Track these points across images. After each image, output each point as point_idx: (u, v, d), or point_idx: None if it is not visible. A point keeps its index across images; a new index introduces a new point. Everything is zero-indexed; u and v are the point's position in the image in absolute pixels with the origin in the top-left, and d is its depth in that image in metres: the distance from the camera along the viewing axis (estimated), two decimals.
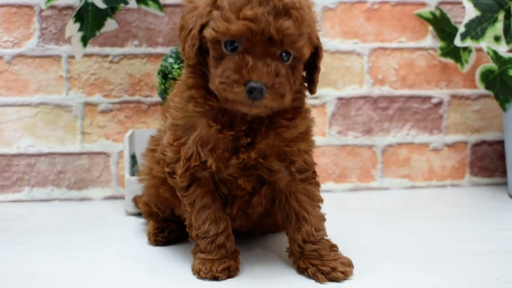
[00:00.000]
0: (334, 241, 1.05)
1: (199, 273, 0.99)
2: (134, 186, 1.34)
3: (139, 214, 1.37)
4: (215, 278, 0.98)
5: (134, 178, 1.35)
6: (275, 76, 0.90)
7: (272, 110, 0.94)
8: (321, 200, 1.06)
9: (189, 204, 1.03)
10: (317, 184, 1.06)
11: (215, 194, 1.03)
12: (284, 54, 0.91)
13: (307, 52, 0.93)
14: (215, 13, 0.91)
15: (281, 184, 1.03)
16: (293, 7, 0.89)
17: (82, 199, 1.53)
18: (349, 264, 1.01)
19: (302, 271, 1.02)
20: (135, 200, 1.34)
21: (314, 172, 1.06)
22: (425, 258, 1.09)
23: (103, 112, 1.52)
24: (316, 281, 0.98)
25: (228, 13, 0.89)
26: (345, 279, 0.99)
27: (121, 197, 1.51)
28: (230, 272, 1.00)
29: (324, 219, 1.05)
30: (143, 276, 1.01)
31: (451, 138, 1.64)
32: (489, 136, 1.66)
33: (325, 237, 1.04)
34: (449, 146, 1.65)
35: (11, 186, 1.52)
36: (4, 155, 1.51)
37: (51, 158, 1.52)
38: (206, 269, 0.99)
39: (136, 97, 1.53)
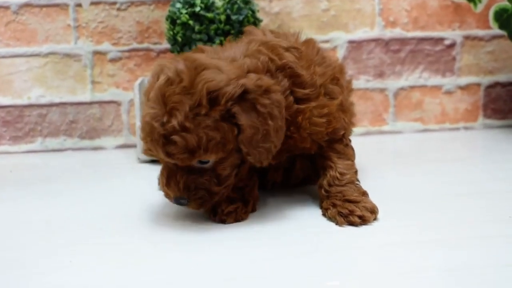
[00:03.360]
0: None
1: (210, 214, 1.00)
2: None
3: (151, 162, 1.37)
4: (222, 221, 0.99)
5: None
6: (187, 191, 0.94)
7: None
8: (350, 155, 1.07)
9: None
10: (347, 145, 1.07)
11: None
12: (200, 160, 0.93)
13: (216, 157, 0.92)
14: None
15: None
16: (175, 132, 0.88)
17: (95, 148, 1.54)
18: (372, 210, 0.98)
19: (324, 212, 1.01)
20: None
21: (344, 136, 1.07)
22: (438, 199, 1.09)
23: (112, 60, 1.52)
24: (336, 224, 0.98)
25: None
26: (362, 225, 0.97)
27: (133, 146, 1.52)
28: (238, 215, 0.99)
29: (354, 169, 1.06)
30: (156, 220, 1.02)
31: (464, 80, 1.63)
32: (502, 77, 1.64)
33: (355, 183, 1.04)
34: (462, 88, 1.63)
35: (24, 137, 1.52)
36: (16, 106, 1.51)
37: (62, 108, 1.52)
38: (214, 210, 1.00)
39: (145, 45, 1.52)
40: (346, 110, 1.07)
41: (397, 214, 1.01)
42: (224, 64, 0.93)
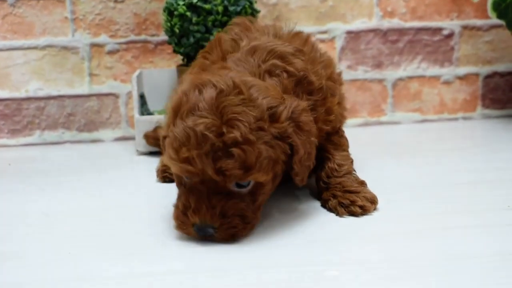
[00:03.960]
0: None
1: None
2: (144, 126, 1.34)
3: (150, 154, 1.37)
4: None
5: (144, 117, 1.35)
6: (221, 217, 0.84)
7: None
8: (346, 145, 1.07)
9: None
10: (342, 136, 1.08)
11: None
12: (239, 183, 0.86)
13: (265, 178, 0.86)
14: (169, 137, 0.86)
15: None
16: (235, 144, 0.81)
17: (93, 141, 1.54)
18: (372, 200, 0.98)
19: (324, 203, 1.01)
20: (146, 136, 1.34)
21: (340, 129, 1.08)
22: (437, 188, 1.09)
23: (110, 53, 1.51)
24: (336, 215, 0.97)
25: (170, 150, 0.84)
26: (363, 214, 0.96)
27: (132, 138, 1.52)
28: None
29: (350, 159, 1.06)
30: (154, 211, 1.02)
31: (463, 70, 1.62)
32: (501, 67, 1.63)
33: (352, 173, 1.04)
34: (460, 78, 1.63)
35: (22, 130, 1.52)
36: (14, 99, 1.51)
37: (60, 101, 1.52)
38: None
39: (143, 37, 1.51)
40: (340, 102, 1.08)
41: (396, 204, 1.01)
42: (261, 82, 0.91)
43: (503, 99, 1.65)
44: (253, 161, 0.82)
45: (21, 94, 1.51)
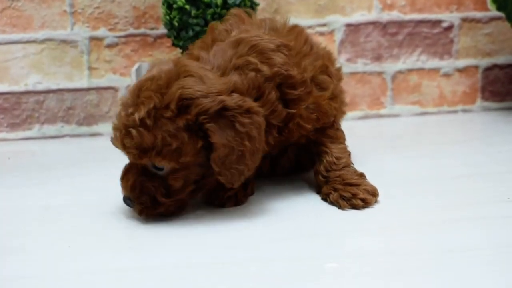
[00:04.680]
0: None
1: (208, 198, 1.00)
2: None
3: None
4: (222, 205, 0.99)
5: None
6: (133, 191, 0.92)
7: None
8: (342, 138, 1.07)
9: None
10: (338, 129, 1.07)
11: None
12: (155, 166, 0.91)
13: (167, 165, 0.89)
14: None
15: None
16: (134, 126, 0.87)
17: (92, 135, 1.54)
18: (373, 192, 0.98)
19: (324, 197, 1.01)
20: None
21: (335, 122, 1.07)
22: (437, 181, 1.09)
23: (109, 46, 1.51)
24: (339, 208, 0.97)
25: None
26: (365, 207, 0.97)
27: None
28: (237, 200, 1.00)
29: (347, 152, 1.06)
30: None
31: (462, 62, 1.62)
32: (500, 59, 1.63)
33: (351, 166, 1.04)
34: (460, 70, 1.62)
35: (21, 124, 1.52)
36: (13, 93, 1.51)
37: (60, 95, 1.52)
38: (214, 194, 0.99)
39: (142, 30, 1.51)
40: (336, 97, 1.06)
41: (396, 197, 1.01)
42: (210, 76, 0.91)
43: (502, 91, 1.65)
44: (148, 144, 0.87)
45: (20, 87, 1.51)
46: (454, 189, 1.04)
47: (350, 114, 1.58)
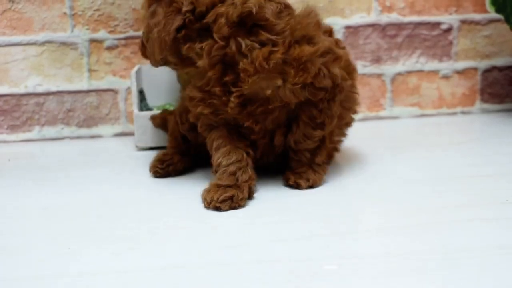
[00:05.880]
0: (344, 169, 1.06)
1: (204, 202, 1.01)
2: (143, 121, 1.35)
3: (149, 149, 1.37)
4: (217, 209, 0.99)
5: (143, 113, 1.35)
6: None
7: None
8: (318, 123, 1.06)
9: (209, 146, 1.08)
10: (321, 110, 1.05)
11: (233, 136, 1.06)
12: None
13: None
14: None
15: (291, 110, 1.04)
16: None
17: (92, 137, 1.54)
18: (307, 179, 1.07)
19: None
20: (153, 117, 1.35)
21: (334, 88, 1.04)
22: (435, 182, 1.09)
23: (109, 48, 1.51)
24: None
25: None
26: (296, 188, 1.06)
27: (131, 134, 1.52)
28: (233, 203, 0.99)
29: (313, 136, 1.06)
30: (153, 207, 1.02)
31: (461, 64, 1.62)
32: (499, 61, 1.64)
33: (307, 152, 1.08)
34: (459, 72, 1.63)
35: (21, 125, 1.52)
36: (13, 95, 1.51)
37: (60, 97, 1.52)
38: (209, 198, 0.99)
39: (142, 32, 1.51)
40: (335, 60, 1.04)
41: (395, 198, 1.02)
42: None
43: (501, 93, 1.65)
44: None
45: (20, 89, 1.51)
46: (454, 191, 1.05)
47: None
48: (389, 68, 1.60)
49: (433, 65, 1.61)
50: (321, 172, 1.09)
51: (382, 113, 1.61)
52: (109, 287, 0.74)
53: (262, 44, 0.99)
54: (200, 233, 0.90)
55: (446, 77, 1.62)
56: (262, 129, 1.06)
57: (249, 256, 0.81)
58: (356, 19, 1.57)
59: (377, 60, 1.59)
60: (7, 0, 1.47)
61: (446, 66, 1.62)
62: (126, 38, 1.51)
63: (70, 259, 0.82)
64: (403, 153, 1.29)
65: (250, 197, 1.03)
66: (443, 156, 1.26)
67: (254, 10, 0.98)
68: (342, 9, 1.56)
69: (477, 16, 1.61)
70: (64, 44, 1.50)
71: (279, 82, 0.99)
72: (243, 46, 0.98)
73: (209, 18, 0.99)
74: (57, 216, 0.99)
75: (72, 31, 1.50)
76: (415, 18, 1.59)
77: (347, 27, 1.57)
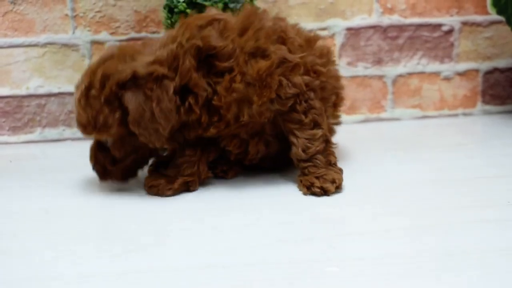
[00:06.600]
0: (345, 170, 1.06)
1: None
2: None
3: None
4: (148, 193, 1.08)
5: None
6: (93, 161, 1.09)
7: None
8: (313, 122, 1.05)
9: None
10: (305, 112, 1.05)
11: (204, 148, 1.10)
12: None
13: (105, 136, 1.03)
14: None
15: (266, 124, 1.06)
16: (76, 105, 1.03)
17: None
18: (332, 180, 1.04)
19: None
20: None
21: (300, 95, 1.04)
22: (437, 184, 1.09)
23: None
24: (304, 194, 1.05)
25: None
26: (324, 195, 1.03)
27: None
28: (159, 191, 1.06)
29: (318, 138, 1.06)
30: (154, 207, 1.02)
31: (463, 66, 1.62)
32: (501, 63, 1.64)
33: (322, 153, 1.06)
34: (460, 74, 1.63)
35: (23, 127, 1.52)
36: (14, 97, 1.51)
37: (61, 98, 1.52)
38: (146, 182, 1.09)
39: (143, 34, 1.52)
40: (293, 69, 1.03)
41: (396, 200, 1.01)
42: (144, 57, 1.01)
43: (503, 95, 1.65)
44: (85, 121, 1.01)
45: (22, 91, 1.51)
46: (455, 192, 1.04)
47: (350, 117, 1.59)
48: (390, 70, 1.60)
49: (434, 66, 1.61)
50: (339, 171, 1.08)
51: (383, 114, 1.61)
52: None
53: (221, 74, 1.01)
54: (200, 234, 0.90)
55: (447, 78, 1.62)
56: (237, 143, 1.08)
57: (250, 258, 0.81)
58: (357, 20, 1.57)
59: (378, 61, 1.59)
60: (9, 1, 1.47)
61: (447, 68, 1.62)
62: (127, 40, 1.51)
63: (71, 261, 0.82)
64: (404, 154, 1.29)
65: (188, 190, 1.08)
66: (444, 158, 1.26)
67: (200, 44, 1.01)
68: (343, 10, 1.56)
69: (479, 18, 1.61)
70: (65, 45, 1.50)
71: (247, 106, 1.02)
72: (208, 89, 1.02)
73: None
74: (58, 218, 0.99)
75: (73, 33, 1.50)
76: (416, 20, 1.59)
77: (349, 29, 1.57)
